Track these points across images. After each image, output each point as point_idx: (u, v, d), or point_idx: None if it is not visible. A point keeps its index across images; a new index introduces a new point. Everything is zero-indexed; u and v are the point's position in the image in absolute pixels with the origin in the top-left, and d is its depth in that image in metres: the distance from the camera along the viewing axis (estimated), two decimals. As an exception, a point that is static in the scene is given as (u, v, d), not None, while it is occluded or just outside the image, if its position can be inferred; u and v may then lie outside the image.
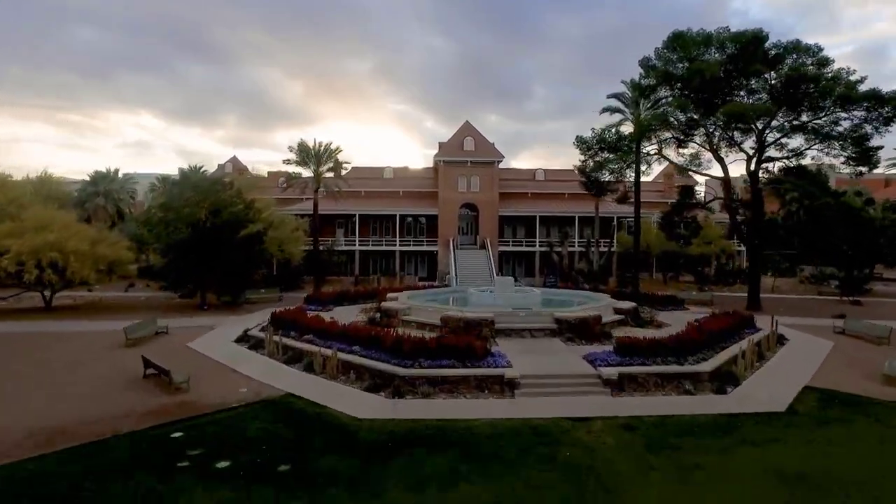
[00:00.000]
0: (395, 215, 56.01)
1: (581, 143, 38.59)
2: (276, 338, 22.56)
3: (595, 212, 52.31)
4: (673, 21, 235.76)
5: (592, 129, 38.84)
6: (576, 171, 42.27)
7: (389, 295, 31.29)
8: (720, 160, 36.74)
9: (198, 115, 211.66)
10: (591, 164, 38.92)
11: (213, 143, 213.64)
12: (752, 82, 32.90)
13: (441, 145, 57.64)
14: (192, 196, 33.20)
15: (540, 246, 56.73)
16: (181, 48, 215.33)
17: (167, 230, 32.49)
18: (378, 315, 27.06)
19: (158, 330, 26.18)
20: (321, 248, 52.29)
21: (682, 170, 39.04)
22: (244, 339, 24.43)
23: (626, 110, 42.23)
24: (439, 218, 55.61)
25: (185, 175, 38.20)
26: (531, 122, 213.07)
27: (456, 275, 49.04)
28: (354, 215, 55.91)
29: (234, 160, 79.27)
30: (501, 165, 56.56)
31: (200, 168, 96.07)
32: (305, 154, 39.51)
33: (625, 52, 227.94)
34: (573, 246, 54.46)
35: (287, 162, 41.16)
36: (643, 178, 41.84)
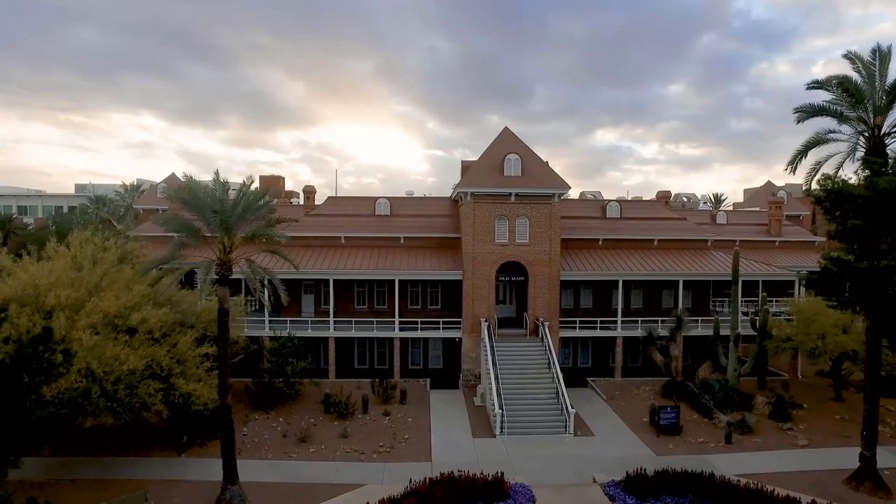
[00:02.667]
0: (394, 280, 34.91)
1: (832, 190, 16.99)
2: None
3: (732, 274, 30.97)
4: (674, 22, 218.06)
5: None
6: (822, 243, 21.11)
7: None
8: None
9: (200, 115, 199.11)
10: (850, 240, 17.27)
11: (216, 143, 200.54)
12: None
13: (467, 169, 36.48)
14: None
15: (624, 327, 35.62)
16: (183, 49, 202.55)
17: None
18: None
19: None
20: (273, 338, 31.34)
21: None
22: None
23: (850, 112, 21.19)
24: (465, 285, 34.46)
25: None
26: (533, 123, 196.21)
27: (497, 386, 28.05)
28: (328, 280, 34.88)
29: (172, 179, 58.28)
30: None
31: (139, 188, 75.05)
32: (196, 204, 18.17)
33: (626, 53, 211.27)
34: (678, 328, 33.17)
35: (162, 221, 19.82)
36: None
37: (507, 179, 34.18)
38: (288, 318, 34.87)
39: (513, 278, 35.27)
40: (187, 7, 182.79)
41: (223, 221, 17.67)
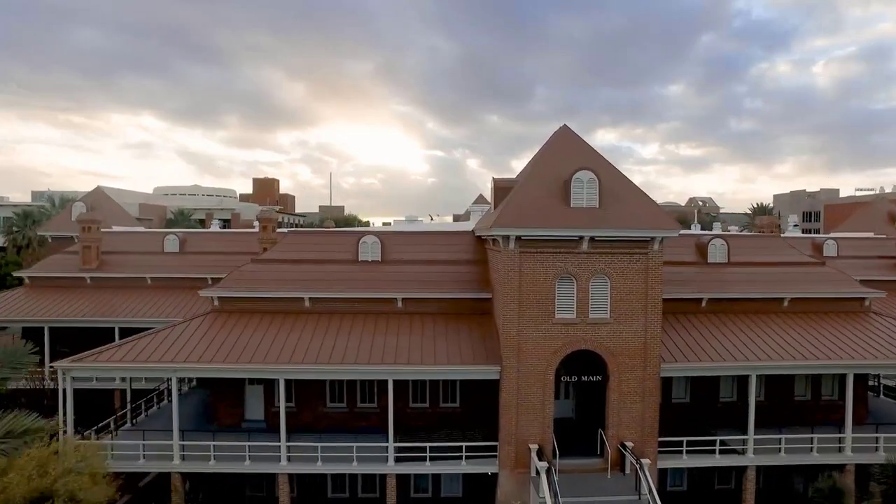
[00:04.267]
0: (387, 382, 21.20)
1: None
2: None
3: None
4: (674, 22, 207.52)
5: None
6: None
7: None
8: None
9: (200, 116, 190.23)
10: None
11: (216, 143, 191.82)
12: None
13: (503, 193, 22.63)
14: None
15: (757, 447, 22.06)
16: (183, 49, 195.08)
17: None
18: None
19: None
20: (188, 477, 17.77)
21: None
22: None
23: None
24: (504, 390, 20.80)
25: None
26: (533, 123, 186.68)
27: None
28: (278, 380, 21.24)
29: (95, 196, 44.78)
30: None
31: (67, 201, 61.51)
32: None
33: (626, 53, 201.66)
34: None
35: None
36: None
37: (574, 213, 20.49)
38: (212, 442, 21.19)
39: (583, 378, 21.58)
40: (187, 7, 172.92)
41: None
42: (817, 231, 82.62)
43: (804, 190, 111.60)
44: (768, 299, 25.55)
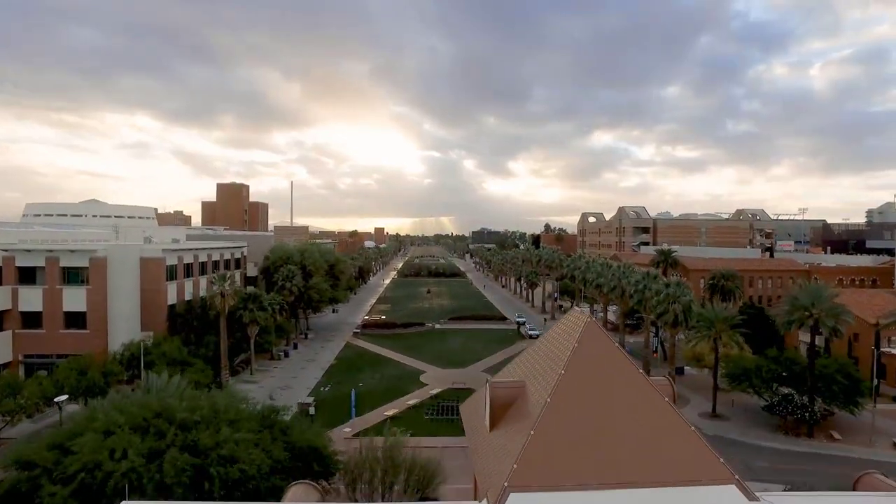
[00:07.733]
0: None
1: None
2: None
3: None
4: (673, 23, 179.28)
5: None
6: None
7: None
8: None
9: (197, 116, 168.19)
10: None
11: (211, 144, 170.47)
12: None
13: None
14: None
15: None
16: (180, 50, 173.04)
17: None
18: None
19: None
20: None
21: None
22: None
23: None
24: None
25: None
26: (531, 125, 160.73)
27: None
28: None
29: None
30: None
31: None
32: None
33: (625, 55, 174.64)
34: None
35: None
36: None
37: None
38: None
39: None
40: (186, 7, 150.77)
41: None
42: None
43: None
44: None
